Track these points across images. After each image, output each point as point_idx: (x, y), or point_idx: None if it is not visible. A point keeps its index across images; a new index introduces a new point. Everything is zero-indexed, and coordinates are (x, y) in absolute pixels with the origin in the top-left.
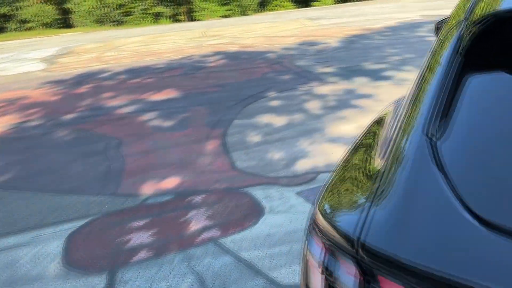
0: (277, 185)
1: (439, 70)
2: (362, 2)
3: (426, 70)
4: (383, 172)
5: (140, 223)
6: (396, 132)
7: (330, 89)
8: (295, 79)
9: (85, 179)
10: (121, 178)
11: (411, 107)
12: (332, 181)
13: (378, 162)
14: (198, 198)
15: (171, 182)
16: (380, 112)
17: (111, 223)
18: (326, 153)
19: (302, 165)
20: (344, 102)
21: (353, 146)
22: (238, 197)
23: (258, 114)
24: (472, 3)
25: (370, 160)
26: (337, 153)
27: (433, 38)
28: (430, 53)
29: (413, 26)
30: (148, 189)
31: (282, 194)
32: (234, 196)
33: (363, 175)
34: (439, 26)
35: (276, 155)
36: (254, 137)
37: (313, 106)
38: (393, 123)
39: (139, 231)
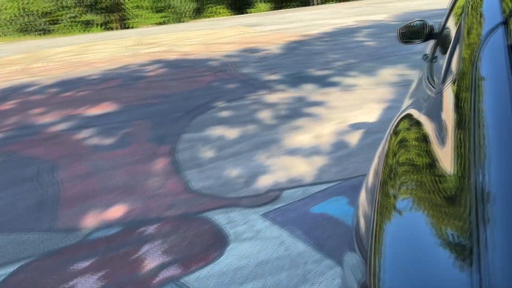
0: (239, 207)
1: (494, 89)
2: (296, 9)
3: (465, 91)
4: (474, 224)
5: (85, 264)
6: (467, 164)
7: (280, 97)
8: (242, 88)
9: (14, 212)
10: (57, 209)
11: (473, 136)
12: (379, 226)
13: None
14: (150, 229)
15: (117, 211)
16: (398, 122)
17: (49, 267)
18: (286, 167)
19: (263, 182)
20: (296, 111)
21: (387, 171)
22: (197, 224)
23: (209, 127)
24: (500, 4)
25: (444, 197)
26: (297, 166)
27: (372, 43)
28: (456, 70)
29: (349, 31)
30: (91, 221)
31: (246, 217)
32: (192, 223)
33: (442, 222)
34: (403, 31)
35: (234, 172)
36: (207, 153)
37: (265, 115)
38: (448, 146)
39: (85, 274)
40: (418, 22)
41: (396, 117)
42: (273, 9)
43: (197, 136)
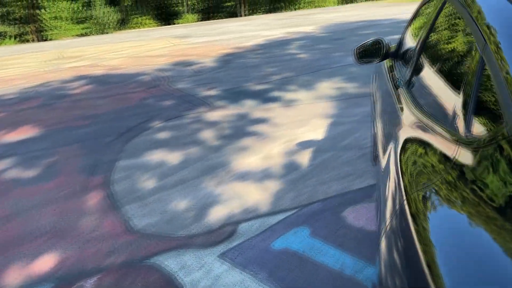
0: (191, 247)
1: None
2: (224, 20)
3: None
4: None
5: None
6: None
7: (221, 114)
8: (179, 105)
9: None
10: None
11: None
12: (435, 266)
13: None
14: (89, 284)
15: (46, 262)
16: (401, 155)
17: None
18: (239, 195)
19: (215, 215)
20: (240, 129)
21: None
22: (144, 273)
23: (146, 151)
24: None
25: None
26: (250, 194)
27: (305, 55)
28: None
29: (281, 43)
30: (14, 276)
31: (201, 260)
32: (138, 272)
33: None
34: (360, 51)
35: (181, 204)
36: (148, 182)
37: (208, 136)
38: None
39: None
40: (374, 41)
41: (394, 149)
42: (201, 20)
43: (134, 162)
